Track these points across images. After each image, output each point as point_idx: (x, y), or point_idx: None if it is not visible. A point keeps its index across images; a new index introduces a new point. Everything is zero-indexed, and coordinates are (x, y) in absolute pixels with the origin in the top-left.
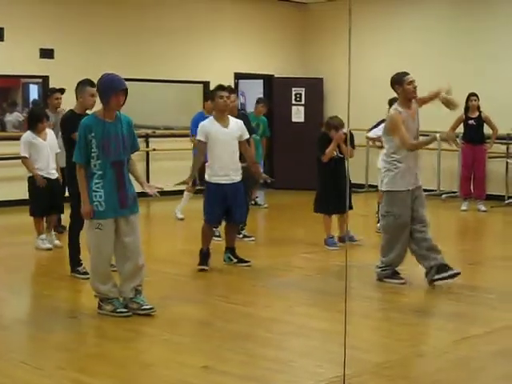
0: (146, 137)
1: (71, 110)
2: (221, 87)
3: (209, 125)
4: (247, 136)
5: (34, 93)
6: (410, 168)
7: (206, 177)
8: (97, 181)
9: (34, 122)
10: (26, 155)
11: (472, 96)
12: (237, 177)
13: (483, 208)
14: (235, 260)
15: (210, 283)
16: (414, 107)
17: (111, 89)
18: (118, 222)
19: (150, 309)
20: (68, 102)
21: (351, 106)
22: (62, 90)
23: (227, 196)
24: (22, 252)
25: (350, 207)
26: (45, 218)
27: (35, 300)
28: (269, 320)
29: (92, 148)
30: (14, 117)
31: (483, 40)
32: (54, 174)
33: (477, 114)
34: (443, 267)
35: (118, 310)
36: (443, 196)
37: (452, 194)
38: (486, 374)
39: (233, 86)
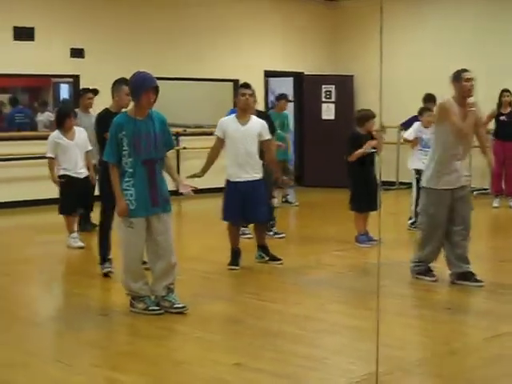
0: (177, 135)
1: (106, 109)
2: (244, 85)
3: (227, 122)
4: (268, 136)
5: (64, 92)
6: (451, 166)
7: (226, 175)
8: (128, 179)
9: (62, 118)
10: (52, 156)
11: (505, 92)
12: (256, 174)
13: None
14: (267, 258)
15: (240, 281)
16: (467, 112)
17: (142, 87)
18: (150, 221)
19: (183, 307)
20: (99, 102)
21: (384, 104)
22: (95, 91)
23: (246, 194)
24: (54, 251)
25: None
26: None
27: (67, 298)
28: (300, 317)
29: (123, 146)
30: (45, 116)
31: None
32: (83, 174)
33: (509, 109)
34: (469, 275)
35: (150, 308)
36: (474, 193)
37: (483, 191)
38: None
39: (263, 84)
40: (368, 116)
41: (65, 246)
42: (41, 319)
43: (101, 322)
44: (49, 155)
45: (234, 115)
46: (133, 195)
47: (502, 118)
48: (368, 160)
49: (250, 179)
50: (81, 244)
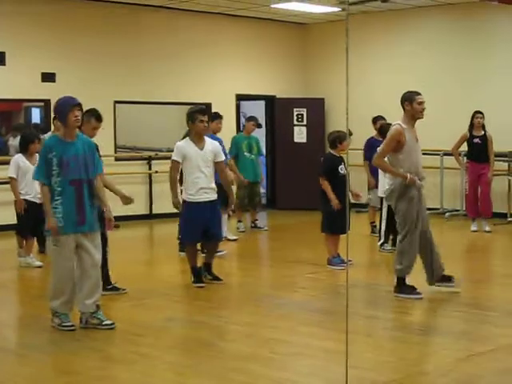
0: (149, 159)
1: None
2: (202, 111)
3: (185, 146)
4: (222, 158)
5: (36, 116)
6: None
7: (185, 197)
8: (57, 198)
9: (26, 143)
10: (14, 176)
11: (477, 113)
12: (213, 195)
13: (487, 228)
14: (210, 277)
15: (212, 304)
16: (416, 133)
17: (66, 108)
18: (79, 239)
19: (111, 324)
20: None
21: (353, 126)
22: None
23: (205, 214)
24: (26, 275)
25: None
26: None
27: (39, 323)
28: (272, 340)
29: (53, 166)
30: (17, 141)
31: (483, 56)
32: (41, 199)
33: (482, 132)
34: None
35: (64, 324)
36: (447, 214)
37: (455, 213)
38: None
39: (234, 108)
40: (341, 137)
41: (36, 270)
42: (12, 345)
43: (73, 347)
44: (10, 175)
45: (187, 139)
46: (61, 213)
47: (476, 140)
48: (340, 182)
49: (209, 199)
50: (39, 263)
